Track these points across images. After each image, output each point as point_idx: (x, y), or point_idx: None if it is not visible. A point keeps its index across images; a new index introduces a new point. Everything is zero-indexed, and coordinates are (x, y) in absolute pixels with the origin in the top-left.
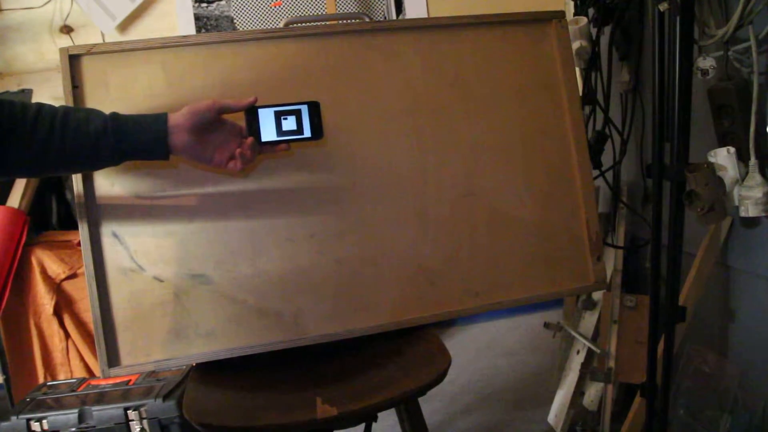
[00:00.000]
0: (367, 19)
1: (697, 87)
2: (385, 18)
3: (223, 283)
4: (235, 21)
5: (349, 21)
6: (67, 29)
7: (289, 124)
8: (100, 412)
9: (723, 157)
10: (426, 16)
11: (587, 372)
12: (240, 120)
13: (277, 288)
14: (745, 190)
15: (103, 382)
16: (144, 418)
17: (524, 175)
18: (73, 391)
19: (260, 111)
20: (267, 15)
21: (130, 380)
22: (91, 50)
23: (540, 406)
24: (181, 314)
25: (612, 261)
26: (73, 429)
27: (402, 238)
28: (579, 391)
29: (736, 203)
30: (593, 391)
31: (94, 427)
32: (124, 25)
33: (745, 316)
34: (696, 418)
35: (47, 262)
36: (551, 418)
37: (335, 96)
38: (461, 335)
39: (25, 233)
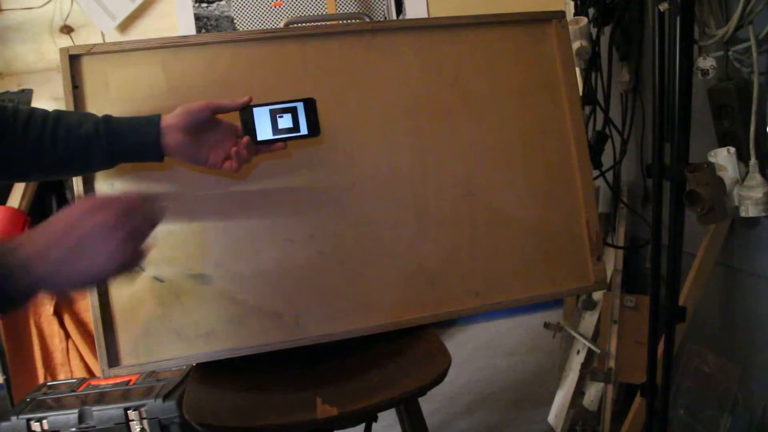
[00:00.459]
0: (367, 19)
1: (697, 87)
2: (385, 18)
3: (223, 283)
4: (235, 21)
5: (349, 21)
6: (67, 29)
7: (285, 122)
8: (101, 412)
9: (723, 157)
10: (426, 16)
11: (587, 372)
12: (236, 120)
13: (277, 288)
14: (745, 190)
15: (103, 382)
16: (144, 418)
17: (524, 175)
18: (73, 391)
19: (255, 110)
20: (267, 15)
21: (130, 380)
22: (92, 50)
23: (540, 406)
24: (181, 314)
25: (612, 261)
26: (74, 429)
27: (402, 238)
28: (579, 391)
29: (736, 203)
30: (593, 391)
31: (94, 427)
32: (124, 25)
33: (745, 316)
34: (696, 418)
35: None
36: (551, 418)
37: (335, 96)
38: (461, 335)
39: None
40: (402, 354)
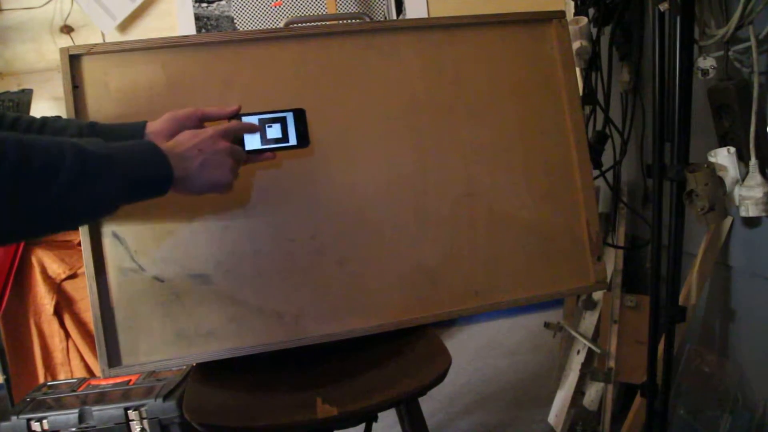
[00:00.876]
0: (367, 19)
1: (697, 87)
2: (385, 18)
3: (223, 283)
4: (235, 21)
5: (349, 21)
6: (67, 29)
7: (273, 132)
8: (101, 412)
9: (723, 157)
10: (426, 16)
11: (587, 372)
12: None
13: (278, 288)
14: (745, 190)
15: (103, 382)
16: (144, 418)
17: (524, 175)
18: (74, 391)
19: (244, 119)
20: (267, 15)
21: (130, 380)
22: (92, 50)
23: (540, 406)
24: (181, 314)
25: (612, 261)
26: (74, 429)
27: (402, 237)
28: (579, 391)
29: (737, 203)
30: (593, 391)
31: (95, 427)
32: (125, 25)
33: (746, 316)
34: (696, 418)
35: (47, 262)
36: (551, 418)
37: (335, 96)
38: (461, 335)
39: None
40: (402, 354)
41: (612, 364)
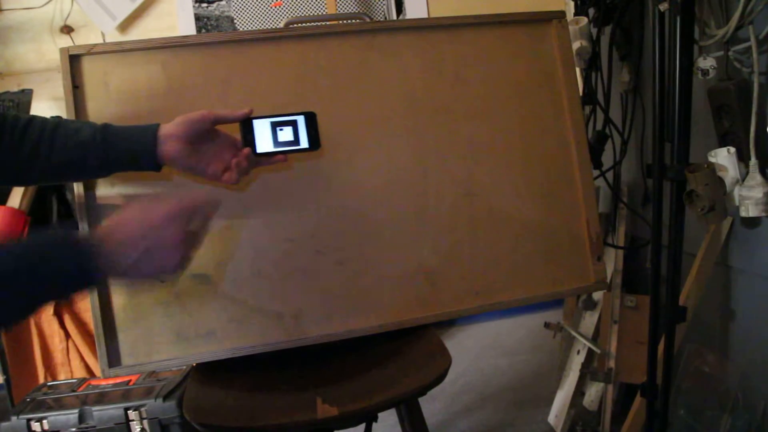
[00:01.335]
0: (367, 19)
1: (697, 87)
2: (385, 18)
3: (223, 283)
4: (235, 21)
5: (349, 21)
6: (67, 29)
7: (285, 135)
8: (101, 412)
9: (723, 157)
10: (426, 16)
11: (587, 372)
12: (234, 131)
13: (278, 288)
14: (745, 190)
15: (103, 382)
16: (144, 418)
17: (524, 175)
18: (74, 391)
19: (255, 122)
20: (267, 15)
21: (130, 380)
22: (92, 50)
23: (540, 406)
24: (181, 314)
25: (612, 261)
26: (74, 429)
27: (402, 237)
28: (579, 391)
29: (737, 203)
30: (593, 391)
31: (95, 427)
32: (125, 25)
33: (746, 316)
34: (696, 419)
35: None
36: (551, 418)
37: (335, 96)
38: (461, 335)
39: (25, 233)
40: (402, 354)
41: (612, 364)
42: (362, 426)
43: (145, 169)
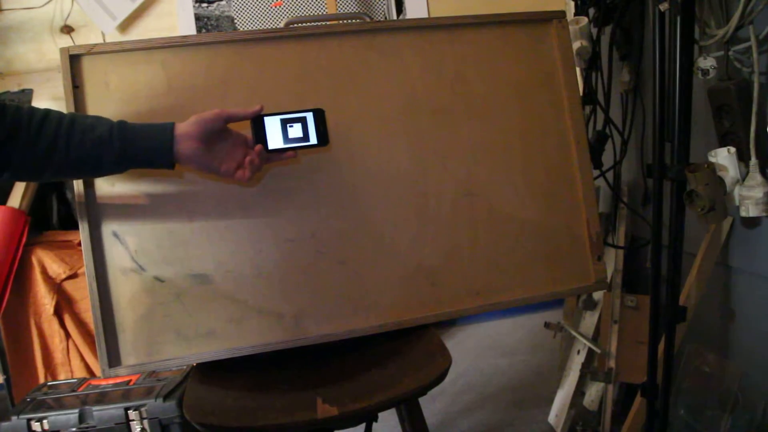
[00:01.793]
0: (367, 19)
1: (697, 87)
2: (386, 18)
3: (223, 283)
4: (235, 21)
5: (349, 21)
6: (67, 29)
7: (295, 131)
8: (101, 412)
9: (723, 157)
10: (426, 16)
11: (588, 372)
12: (243, 129)
13: (278, 288)
14: (745, 190)
15: (103, 382)
16: (144, 418)
17: (524, 175)
18: (74, 391)
19: (266, 119)
20: (267, 15)
21: (130, 380)
22: (92, 50)
23: (540, 406)
24: (181, 314)
25: (612, 261)
26: (74, 429)
27: (402, 237)
28: (579, 391)
29: (737, 203)
30: (594, 391)
31: (95, 427)
32: (125, 25)
33: (746, 316)
34: (696, 418)
35: (48, 262)
36: (552, 418)
37: (335, 96)
38: (461, 335)
39: (25, 233)
40: (402, 354)
41: (612, 364)
42: (362, 426)
43: (159, 167)
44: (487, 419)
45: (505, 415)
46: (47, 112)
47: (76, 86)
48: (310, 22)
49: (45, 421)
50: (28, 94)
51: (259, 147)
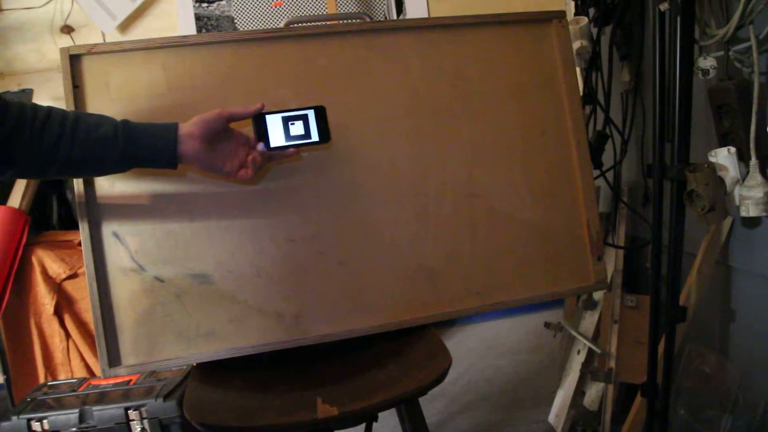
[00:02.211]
0: (367, 19)
1: (697, 87)
2: (386, 18)
3: (223, 283)
4: (235, 21)
5: (349, 21)
6: (67, 29)
7: (296, 129)
8: (101, 412)
9: (723, 157)
10: (426, 16)
11: (588, 372)
12: (246, 128)
13: (278, 288)
14: (745, 190)
15: (103, 382)
16: (144, 418)
17: (525, 175)
18: (74, 391)
19: (268, 117)
20: (267, 15)
21: (130, 380)
22: (92, 50)
23: (540, 406)
24: (181, 314)
25: (612, 261)
26: (74, 429)
27: (402, 237)
28: (579, 391)
29: (737, 203)
30: (594, 391)
31: (95, 426)
32: (125, 25)
33: (746, 316)
34: (696, 418)
35: (48, 262)
36: (552, 418)
37: (336, 96)
38: (461, 335)
39: (25, 233)
40: (402, 354)
41: (612, 364)
42: (362, 426)
43: (162, 167)
44: (487, 419)
45: (505, 415)
46: (51, 110)
47: (76, 86)
48: (310, 22)
49: (45, 421)
50: (28, 93)
51: (261, 145)
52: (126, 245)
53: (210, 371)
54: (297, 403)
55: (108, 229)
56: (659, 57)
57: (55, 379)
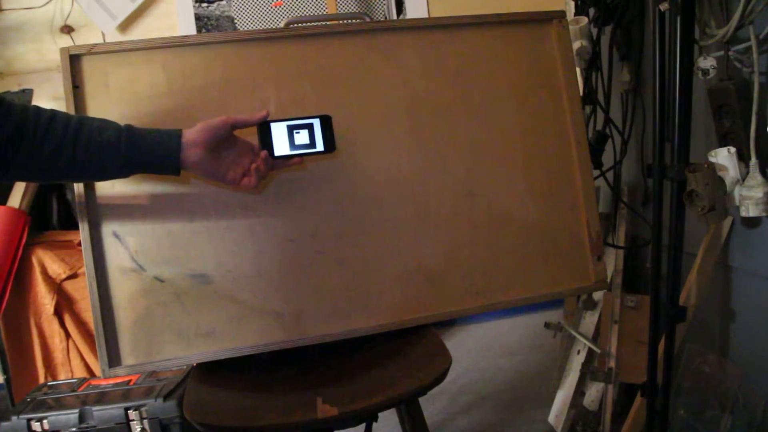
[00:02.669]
0: (367, 19)
1: (697, 87)
2: (386, 18)
3: (223, 283)
4: (235, 21)
5: (349, 21)
6: (67, 29)
7: (301, 137)
8: (101, 412)
9: (723, 157)
10: (426, 16)
11: (588, 372)
12: (249, 135)
13: (278, 288)
14: (745, 190)
15: (103, 382)
16: (144, 418)
17: (524, 175)
18: (74, 391)
19: (273, 125)
20: (267, 15)
21: (130, 380)
22: (92, 50)
23: (540, 406)
24: (181, 314)
25: (612, 261)
26: (74, 429)
27: (402, 237)
28: (579, 391)
29: (737, 203)
30: (594, 391)
31: (95, 427)
32: (125, 25)
33: (746, 316)
34: (696, 419)
35: (48, 262)
36: (552, 418)
37: (335, 96)
38: (461, 335)
39: (25, 233)
40: (402, 354)
41: (612, 364)
42: (362, 426)
43: (165, 173)
44: (487, 419)
45: (505, 415)
46: (54, 113)
47: (76, 86)
48: (310, 22)
49: (45, 421)
50: (28, 94)
51: (264, 153)
52: (126, 245)
53: (210, 371)
54: (297, 403)
55: (108, 229)
56: (659, 57)
57: (55, 379)
